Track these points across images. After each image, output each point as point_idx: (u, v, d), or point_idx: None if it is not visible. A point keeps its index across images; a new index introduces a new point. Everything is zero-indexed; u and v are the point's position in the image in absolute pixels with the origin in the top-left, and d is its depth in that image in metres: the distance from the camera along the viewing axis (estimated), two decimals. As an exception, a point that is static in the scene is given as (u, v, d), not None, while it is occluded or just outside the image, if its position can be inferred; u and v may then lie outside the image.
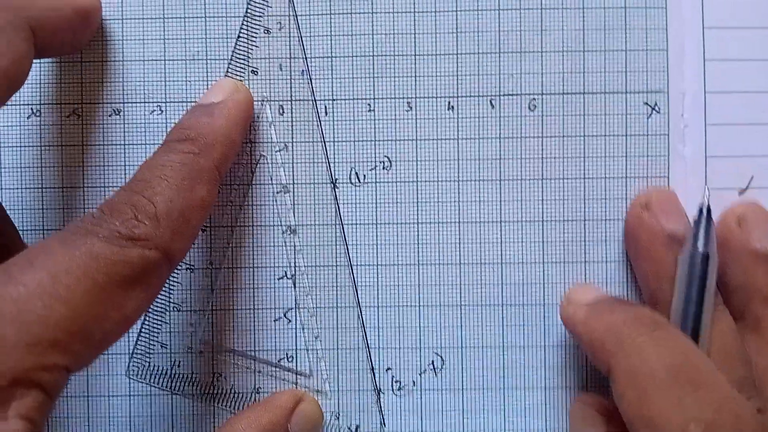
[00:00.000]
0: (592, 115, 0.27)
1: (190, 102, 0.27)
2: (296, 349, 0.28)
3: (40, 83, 0.27)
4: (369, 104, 0.27)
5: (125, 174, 0.27)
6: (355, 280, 0.28)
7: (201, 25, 0.27)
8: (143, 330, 0.28)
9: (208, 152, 0.24)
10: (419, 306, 0.28)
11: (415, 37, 0.27)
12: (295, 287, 0.28)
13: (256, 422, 0.25)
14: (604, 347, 0.23)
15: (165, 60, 0.27)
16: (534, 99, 0.27)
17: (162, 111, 0.27)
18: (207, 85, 0.27)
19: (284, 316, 0.28)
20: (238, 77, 0.27)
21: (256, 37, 0.27)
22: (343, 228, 0.28)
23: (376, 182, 0.28)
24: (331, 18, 0.27)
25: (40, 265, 0.19)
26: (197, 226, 0.23)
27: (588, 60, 0.27)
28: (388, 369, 0.28)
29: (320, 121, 0.27)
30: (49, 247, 0.20)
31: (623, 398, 0.22)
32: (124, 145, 0.27)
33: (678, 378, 0.21)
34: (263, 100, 0.27)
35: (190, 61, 0.27)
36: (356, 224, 0.28)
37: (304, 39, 0.27)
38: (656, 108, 0.27)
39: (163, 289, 0.26)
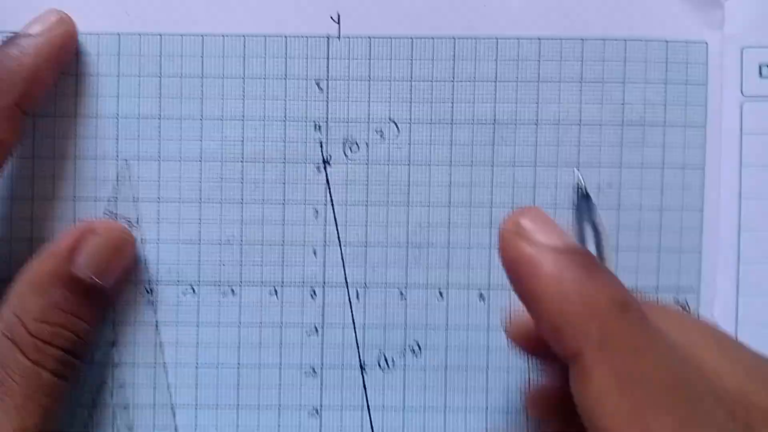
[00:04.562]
0: (623, 312, 0.27)
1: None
2: None
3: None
4: (401, 291, 0.27)
5: None
6: (380, 465, 0.27)
7: (238, 209, 0.27)
8: None
9: (9, 91, 0.24)
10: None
11: (449, 229, 0.27)
12: (319, 470, 0.27)
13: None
14: (578, 327, 0.18)
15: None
16: (566, 294, 0.27)
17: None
18: (240, 267, 0.27)
19: (307, 499, 0.27)
20: (271, 262, 0.27)
21: (291, 224, 0.27)
22: (369, 413, 0.27)
23: (404, 367, 0.28)
24: (367, 208, 0.27)
25: None
26: None
27: (621, 258, 0.27)
28: None
29: (351, 306, 0.27)
30: None
31: (605, 404, 0.17)
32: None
33: (678, 393, 0.17)
34: (297, 285, 0.27)
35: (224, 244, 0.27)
36: (383, 408, 0.27)
37: (339, 226, 0.27)
38: (687, 307, 0.27)
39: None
